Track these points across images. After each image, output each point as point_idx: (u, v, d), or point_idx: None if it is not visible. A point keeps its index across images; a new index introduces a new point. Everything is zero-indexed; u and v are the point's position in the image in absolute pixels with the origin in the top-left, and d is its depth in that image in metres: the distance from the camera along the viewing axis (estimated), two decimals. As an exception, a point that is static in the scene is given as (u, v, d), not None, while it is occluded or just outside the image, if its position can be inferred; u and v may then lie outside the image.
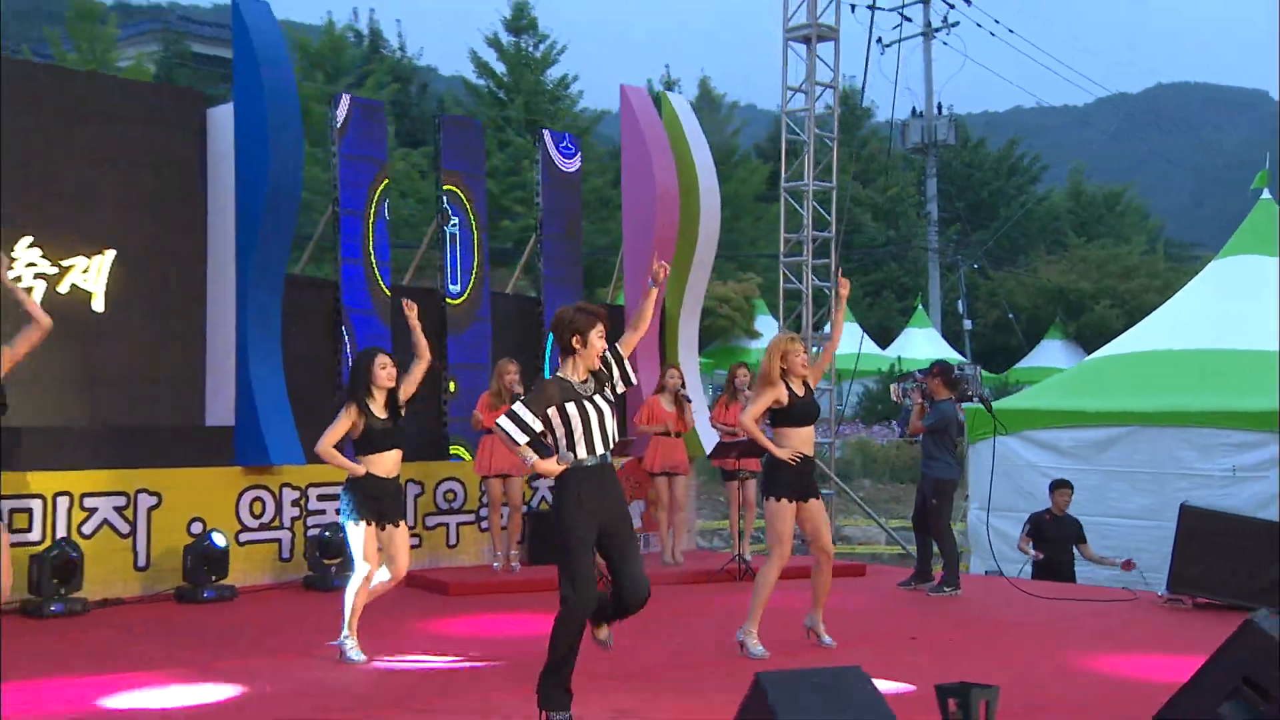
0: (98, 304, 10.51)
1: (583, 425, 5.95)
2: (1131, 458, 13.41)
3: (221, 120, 11.09)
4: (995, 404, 13.96)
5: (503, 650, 7.86)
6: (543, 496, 12.16)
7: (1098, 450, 13.59)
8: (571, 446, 5.96)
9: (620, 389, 6.20)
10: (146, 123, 10.93)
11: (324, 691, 6.77)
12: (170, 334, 10.92)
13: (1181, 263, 45.30)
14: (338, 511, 8.39)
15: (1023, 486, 13.83)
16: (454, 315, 12.52)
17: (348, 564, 7.97)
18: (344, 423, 7.50)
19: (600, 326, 6.03)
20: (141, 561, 10.11)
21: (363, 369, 7.59)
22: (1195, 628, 9.09)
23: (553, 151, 13.57)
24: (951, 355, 36.44)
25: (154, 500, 10.20)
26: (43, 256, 10.19)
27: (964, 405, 12.31)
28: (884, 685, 6.95)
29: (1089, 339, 36.31)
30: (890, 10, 33.78)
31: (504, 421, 5.95)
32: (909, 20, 38.78)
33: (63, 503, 9.73)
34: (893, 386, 11.88)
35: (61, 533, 9.65)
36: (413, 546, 11.00)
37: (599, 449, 5.99)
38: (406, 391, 7.68)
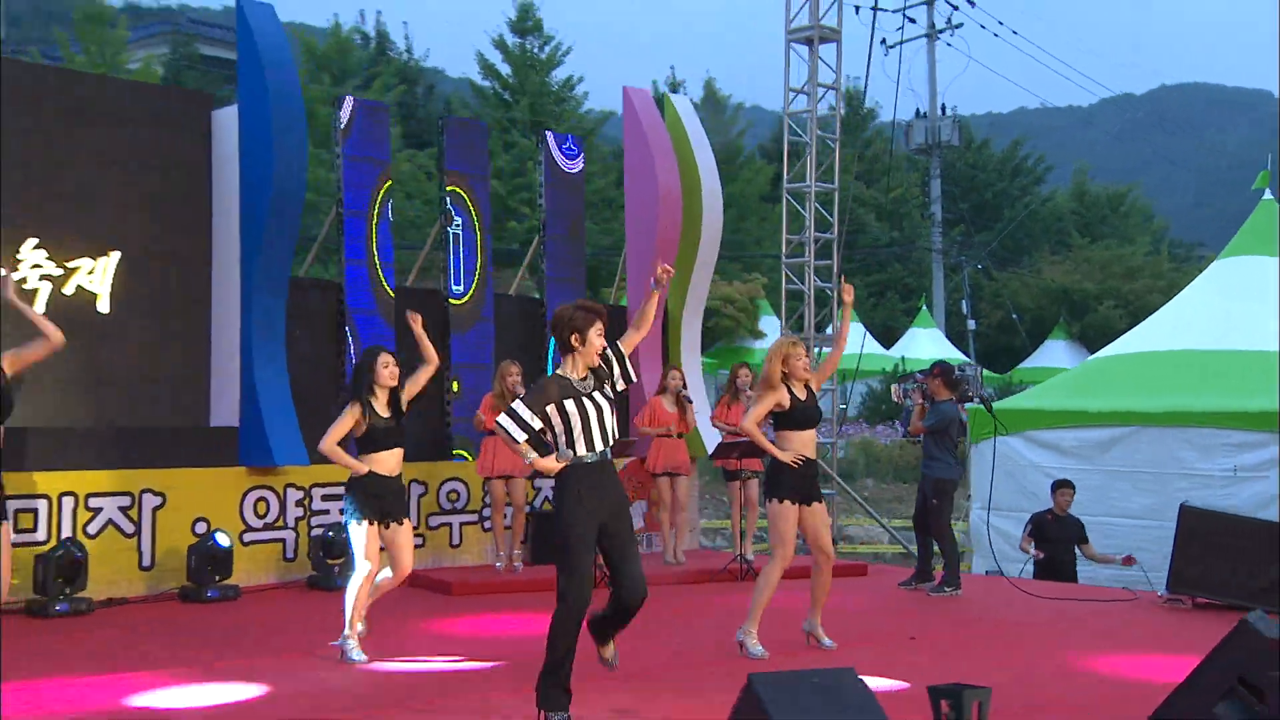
0: (103, 305, 10.56)
1: (582, 422, 5.97)
2: (1133, 458, 13.43)
3: (226, 122, 11.13)
4: (998, 404, 14.02)
5: (504, 650, 7.89)
6: (545, 497, 12.21)
7: (1099, 450, 13.61)
8: (571, 444, 5.98)
9: (620, 386, 6.23)
10: (152, 125, 10.98)
11: (324, 691, 6.80)
12: (175, 335, 10.96)
13: (1185, 263, 45.31)
14: (341, 512, 8.44)
15: (1025, 486, 13.86)
16: (457, 316, 12.56)
17: (351, 564, 8.01)
18: (347, 421, 7.54)
19: (599, 324, 6.05)
20: (146, 561, 10.15)
21: (365, 368, 7.64)
22: (1195, 628, 9.11)
23: (555, 153, 13.61)
24: (955, 356, 36.45)
25: (159, 500, 10.24)
26: (48, 258, 10.24)
27: (966, 405, 12.34)
28: (882, 684, 7.03)
29: (1093, 339, 36.29)
30: (894, 12, 33.81)
31: (503, 419, 5.99)
32: (912, 21, 38.80)
33: (68, 503, 9.77)
34: (893, 387, 11.92)
35: (67, 533, 9.70)
36: (416, 546, 11.08)
37: (598, 446, 6.01)
38: (410, 392, 7.73)
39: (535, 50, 38.28)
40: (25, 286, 10.09)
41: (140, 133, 10.86)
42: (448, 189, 12.77)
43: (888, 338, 39.42)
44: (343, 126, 11.91)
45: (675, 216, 13.42)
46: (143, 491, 10.17)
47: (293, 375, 11.00)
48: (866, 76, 29.84)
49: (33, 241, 10.16)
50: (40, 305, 10.12)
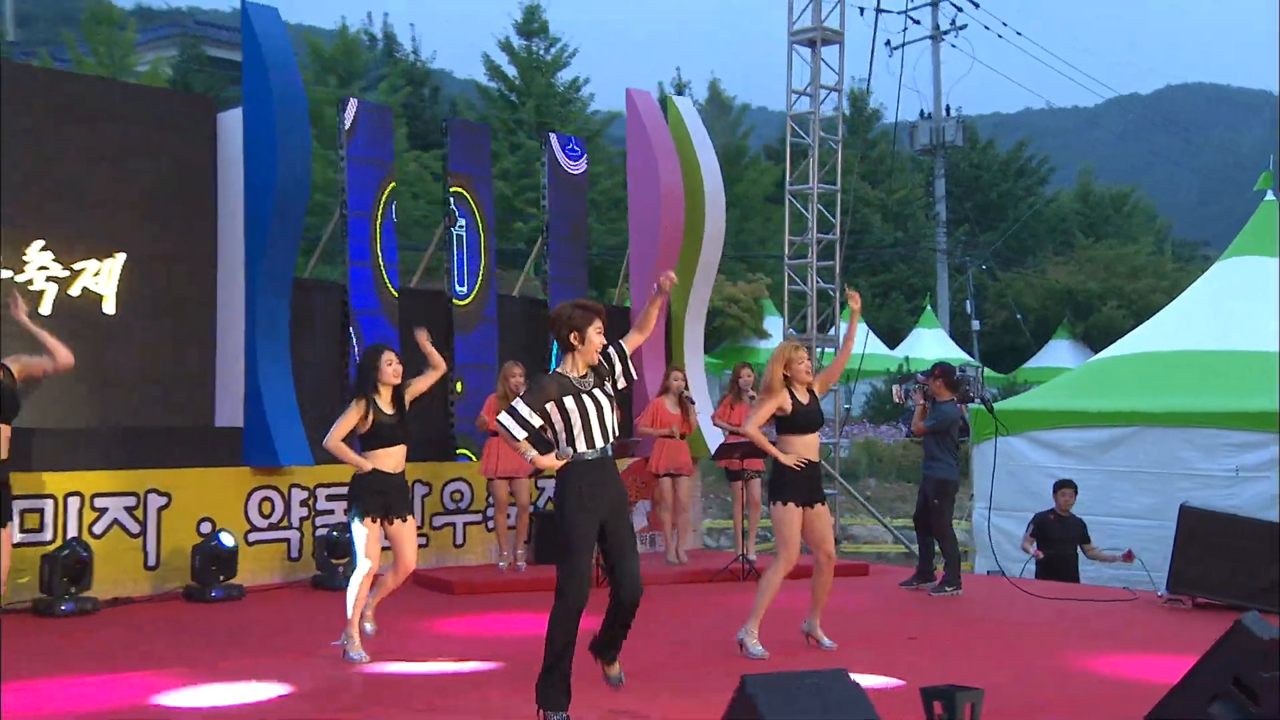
0: (108, 306, 10.62)
1: (581, 419, 6.01)
2: (1135, 458, 13.45)
3: (231, 125, 11.19)
4: (1001, 404, 14.05)
5: (505, 650, 7.93)
6: (549, 497, 12.25)
7: (1102, 450, 13.63)
8: (571, 441, 6.02)
9: (621, 384, 6.27)
10: (157, 128, 11.04)
11: (325, 691, 6.84)
12: (180, 336, 11.02)
13: (1189, 263, 45.28)
14: (346, 511, 8.48)
15: (1028, 486, 13.89)
16: (461, 316, 12.62)
17: (354, 563, 8.06)
18: (352, 417, 7.58)
19: (598, 323, 6.09)
20: (151, 561, 10.21)
21: (370, 366, 7.68)
22: (1195, 628, 9.12)
23: (559, 154, 13.66)
24: (960, 356, 36.46)
25: (164, 500, 10.30)
26: (54, 260, 10.30)
27: (969, 406, 12.37)
28: (879, 682, 7.06)
29: (1097, 339, 36.28)
30: (898, 13, 33.84)
31: (503, 418, 6.03)
32: (917, 23, 38.84)
33: (74, 503, 9.83)
34: (894, 388, 11.96)
35: (73, 532, 9.76)
36: (420, 546, 11.13)
37: (599, 442, 6.05)
38: (413, 391, 7.78)
39: (541, 52, 38.41)
40: (32, 288, 10.16)
41: (146, 135, 10.92)
42: (451, 190, 12.84)
43: (892, 338, 39.46)
44: (347, 128, 11.98)
45: (678, 218, 13.47)
46: (148, 491, 10.23)
47: (297, 376, 11.07)
48: (869, 77, 29.81)
49: (39, 243, 10.22)
50: (47, 307, 10.20)
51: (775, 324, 34.18)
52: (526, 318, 13.53)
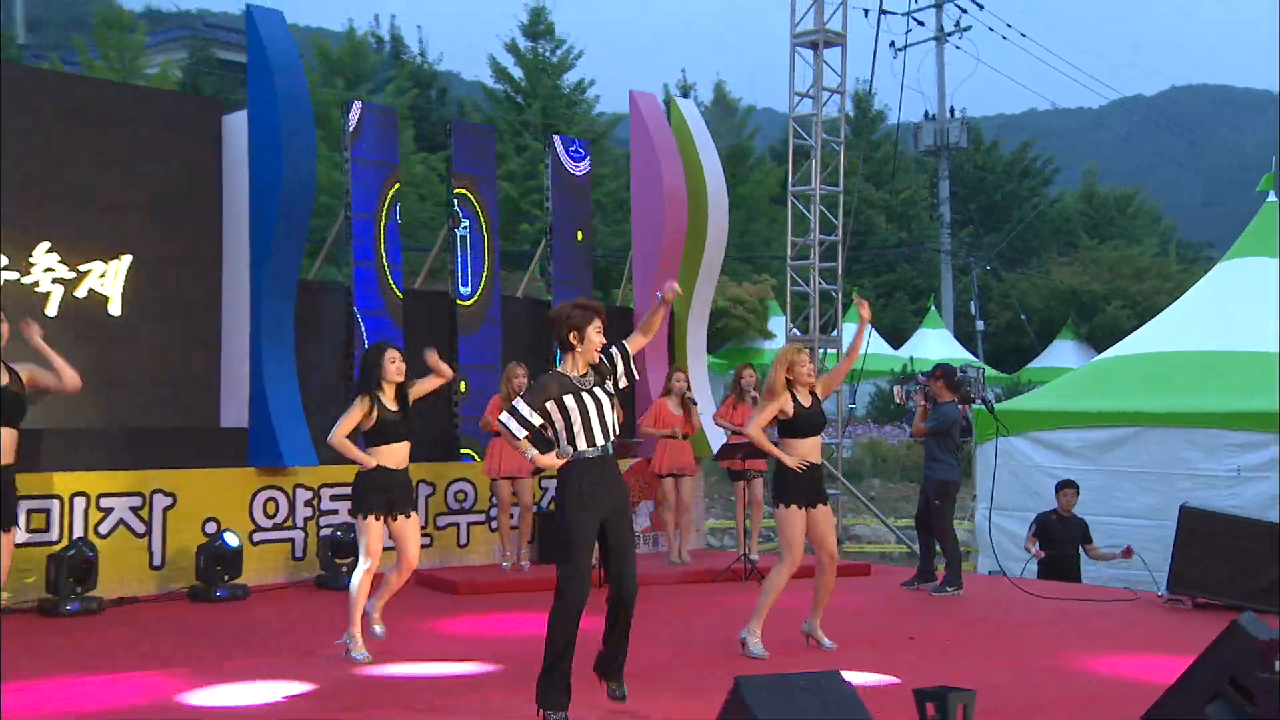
0: (114, 308, 10.68)
1: (581, 418, 6.05)
2: (1138, 458, 13.47)
3: (236, 127, 11.25)
4: (1004, 404, 14.08)
5: (507, 650, 7.97)
6: (553, 497, 12.29)
7: (1104, 450, 13.66)
8: (572, 439, 6.06)
9: (623, 383, 6.31)
10: (164, 130, 11.10)
11: (326, 691, 6.88)
12: (186, 338, 11.08)
13: (1194, 264, 45.28)
14: (350, 512, 8.51)
15: (1030, 487, 13.92)
16: (464, 317, 12.68)
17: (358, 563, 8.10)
18: (356, 414, 7.61)
19: (597, 321, 6.13)
20: (157, 561, 10.27)
21: (373, 363, 7.72)
22: (1195, 628, 9.14)
23: (562, 156, 13.72)
24: (964, 356, 36.48)
25: (169, 501, 10.37)
26: (60, 261, 10.37)
27: (971, 406, 12.42)
28: (877, 680, 7.11)
29: (1101, 340, 36.31)
30: (902, 15, 33.85)
31: (504, 417, 6.08)
32: (921, 24, 38.87)
33: (80, 503, 9.90)
34: (896, 389, 12.02)
35: (78, 532, 9.82)
36: (424, 546, 11.18)
37: (599, 440, 6.08)
38: (417, 392, 7.82)
39: (547, 54, 38.50)
40: (38, 290, 10.23)
41: (151, 138, 10.99)
42: (455, 191, 12.90)
43: (896, 338, 39.51)
44: (351, 130, 12.03)
45: (681, 219, 13.52)
46: (153, 492, 10.29)
47: (301, 376, 11.14)
48: (871, 78, 29.90)
49: (45, 245, 10.29)
50: (53, 308, 10.26)
51: (780, 324, 34.19)
52: (530, 319, 13.58)
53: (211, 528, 10.46)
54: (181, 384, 11.03)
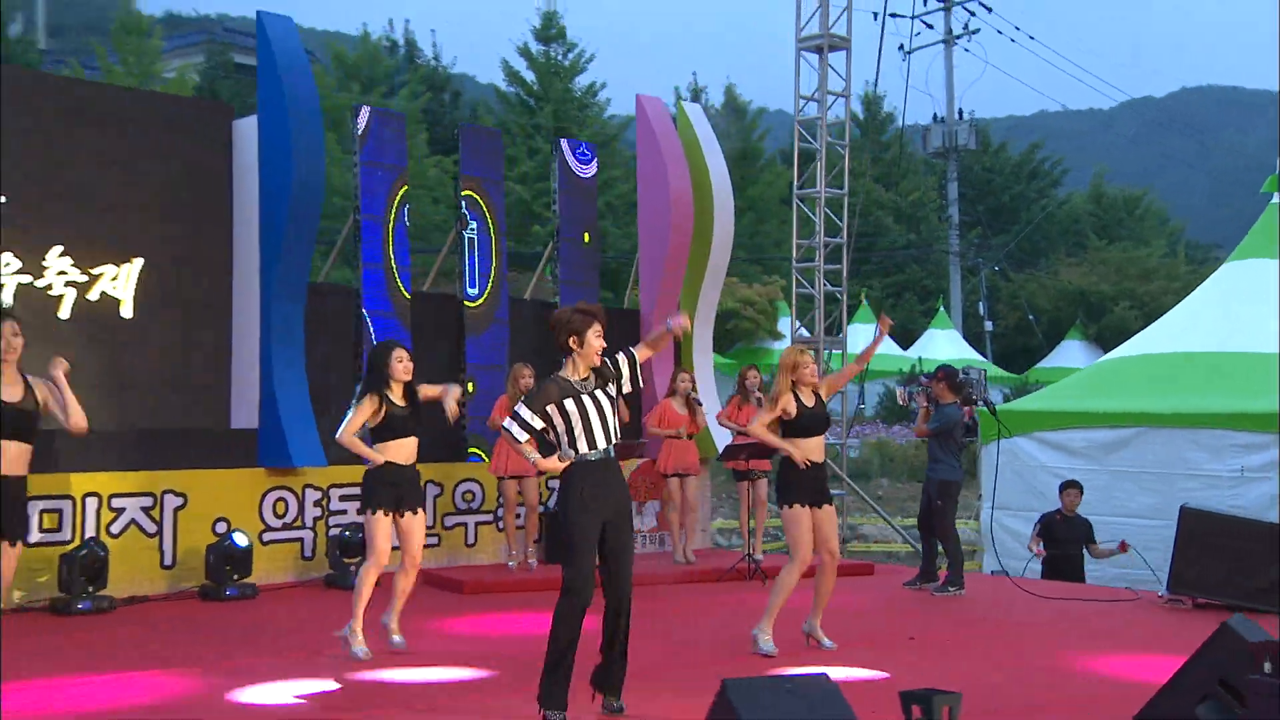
0: (126, 310, 10.77)
1: (582, 421, 6.13)
2: (1142, 458, 13.52)
3: (247, 132, 11.35)
4: (1009, 405, 14.13)
5: (509, 649, 8.03)
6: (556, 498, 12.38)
7: (1108, 451, 13.72)
8: (573, 442, 6.13)
9: (627, 390, 6.38)
10: (175, 135, 11.19)
11: (327, 690, 6.94)
12: (196, 340, 11.17)
13: (1202, 265, 45.25)
14: (358, 510, 8.58)
15: (1035, 487, 13.98)
16: (472, 318, 12.78)
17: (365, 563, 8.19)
18: (363, 413, 7.69)
19: (597, 326, 6.19)
20: (168, 560, 10.38)
21: (381, 362, 7.79)
22: (1195, 628, 9.08)
23: (570, 159, 13.82)
24: (973, 356, 36.57)
25: (180, 501, 10.47)
26: (73, 265, 10.46)
27: (976, 408, 12.49)
28: (878, 679, 7.18)
29: (1109, 340, 36.33)
30: (910, 18, 33.89)
31: (507, 423, 6.18)
32: (930, 27, 38.90)
33: (91, 503, 10.01)
34: (898, 390, 12.10)
35: (90, 532, 9.93)
36: (432, 545, 11.30)
37: (600, 444, 6.16)
38: (423, 395, 7.91)
39: (559, 57, 38.63)
40: (51, 293, 10.34)
41: (163, 142, 11.08)
42: (464, 193, 13.01)
43: (905, 339, 39.55)
44: (359, 134, 12.15)
45: (687, 222, 13.62)
46: (164, 492, 10.40)
47: (311, 377, 11.23)
48: (875, 81, 29.87)
49: (58, 249, 10.39)
50: (65, 311, 10.37)
51: (789, 326, 34.35)
52: (538, 320, 13.66)
53: (222, 528, 10.57)
54: (192, 386, 11.12)
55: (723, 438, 12.48)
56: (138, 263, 10.84)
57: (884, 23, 18.97)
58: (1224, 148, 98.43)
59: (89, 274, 10.57)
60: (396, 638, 7.93)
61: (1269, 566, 9.73)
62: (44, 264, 10.32)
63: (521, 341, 13.10)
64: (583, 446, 6.13)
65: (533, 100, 38.26)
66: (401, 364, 7.79)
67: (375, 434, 7.78)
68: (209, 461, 10.77)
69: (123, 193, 10.82)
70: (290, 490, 11.09)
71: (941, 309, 40.21)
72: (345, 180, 21.44)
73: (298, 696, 6.79)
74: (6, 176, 10.07)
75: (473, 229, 12.93)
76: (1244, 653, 5.29)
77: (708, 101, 45.35)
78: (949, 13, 39.90)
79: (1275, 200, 14.91)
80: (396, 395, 7.77)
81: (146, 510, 10.31)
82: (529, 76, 38.61)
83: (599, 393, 6.21)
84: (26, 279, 10.19)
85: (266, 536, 10.90)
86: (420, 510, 7.90)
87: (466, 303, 12.78)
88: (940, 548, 11.18)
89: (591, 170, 14.04)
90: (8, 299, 9.94)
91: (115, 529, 10.11)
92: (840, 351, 17.85)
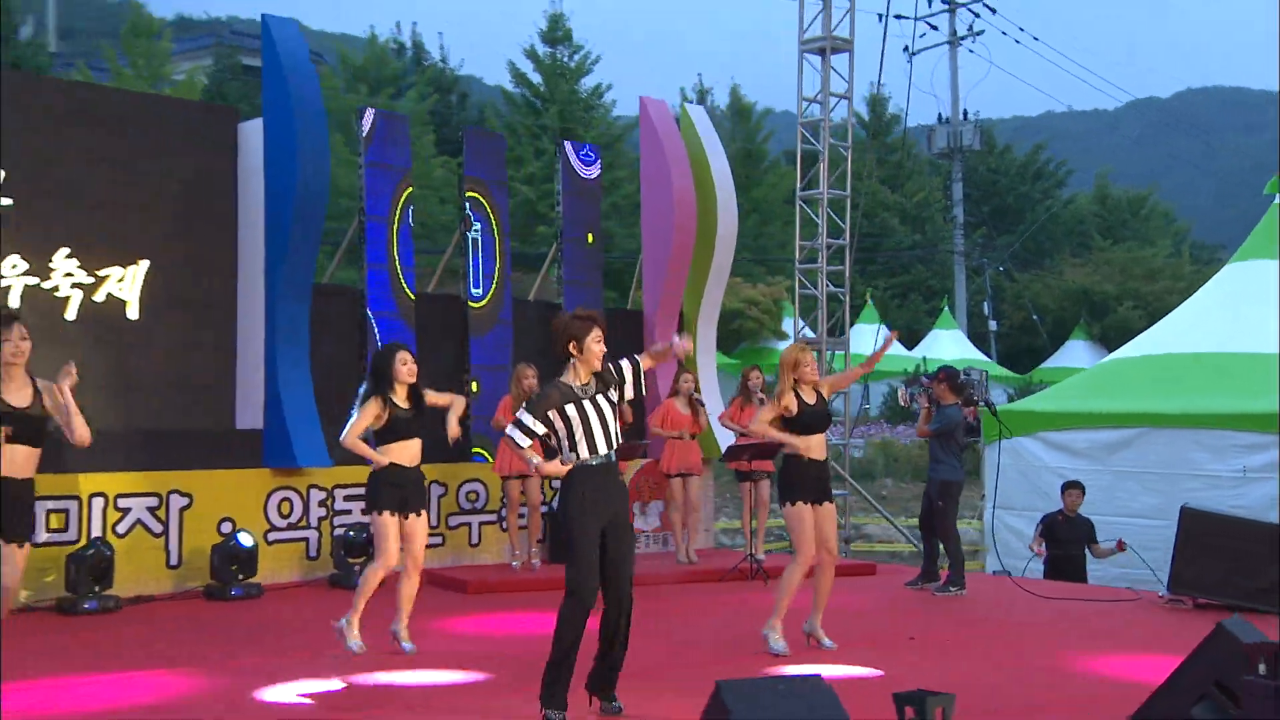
0: (132, 312, 10.82)
1: (583, 426, 6.16)
2: (1145, 458, 13.53)
3: (252, 135, 11.40)
4: (1014, 405, 14.16)
5: (510, 649, 8.08)
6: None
7: (1111, 451, 13.73)
8: (574, 448, 6.17)
9: (630, 396, 6.43)
10: (181, 138, 11.24)
11: (328, 690, 6.97)
12: (202, 341, 11.22)
13: (1207, 265, 45.25)
14: (363, 511, 8.61)
15: (1039, 487, 14.00)
16: (476, 318, 12.84)
17: (371, 561, 8.23)
18: (367, 416, 7.73)
19: (596, 331, 6.22)
20: (173, 560, 10.44)
21: (385, 365, 7.82)
22: (1195, 628, 9.07)
23: (573, 160, 13.88)
24: (977, 356, 36.61)
25: (185, 501, 10.54)
26: (79, 267, 10.52)
27: (980, 407, 12.53)
28: (876, 679, 7.21)
29: (1113, 340, 36.34)
30: (915, 20, 33.98)
31: (510, 429, 6.22)
32: (935, 29, 38.95)
33: (98, 503, 10.08)
34: (900, 391, 12.14)
35: (97, 532, 9.99)
36: (436, 545, 11.35)
37: (601, 449, 6.19)
38: (430, 401, 7.96)
39: (565, 59, 38.73)
40: (57, 294, 10.40)
41: (170, 145, 11.12)
42: (468, 195, 13.08)
43: (910, 339, 39.59)
44: (364, 135, 12.21)
45: (690, 223, 13.67)
46: (170, 492, 10.47)
47: (315, 378, 11.28)
48: (879, 82, 29.88)
49: (64, 251, 10.44)
50: (72, 313, 10.43)
51: (793, 326, 34.41)
52: (541, 321, 13.68)
53: (227, 527, 10.63)
54: (198, 386, 11.16)
55: (726, 438, 12.52)
56: (143, 264, 10.88)
57: (886, 24, 18.95)
58: (1230, 149, 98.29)
59: (95, 276, 10.62)
60: (407, 644, 7.94)
61: (1269, 567, 9.75)
62: (50, 266, 10.37)
63: (525, 342, 13.15)
64: (584, 452, 6.17)
65: (539, 102, 38.38)
66: (405, 367, 7.83)
67: (379, 436, 7.82)
68: (214, 462, 10.84)
69: (129, 195, 10.87)
70: (295, 490, 11.15)
71: (946, 309, 40.26)
72: (352, 181, 21.52)
73: (302, 695, 6.83)
74: (12, 179, 10.14)
75: (477, 230, 12.99)
76: (1239, 654, 5.31)
77: (713, 103, 45.37)
78: (953, 14, 39.94)
79: (1277, 201, 14.92)
80: (400, 398, 7.80)
81: (152, 510, 10.37)
82: (535, 78, 38.73)
83: (600, 398, 6.24)
84: (33, 281, 10.24)
85: (271, 536, 10.96)
86: (424, 513, 7.94)
87: (470, 303, 12.84)
88: (942, 548, 11.22)
89: (595, 171, 14.10)
90: (14, 301, 10.00)
91: (121, 529, 10.18)
92: (843, 352, 17.88)
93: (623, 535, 6.23)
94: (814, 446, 8.08)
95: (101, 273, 10.66)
